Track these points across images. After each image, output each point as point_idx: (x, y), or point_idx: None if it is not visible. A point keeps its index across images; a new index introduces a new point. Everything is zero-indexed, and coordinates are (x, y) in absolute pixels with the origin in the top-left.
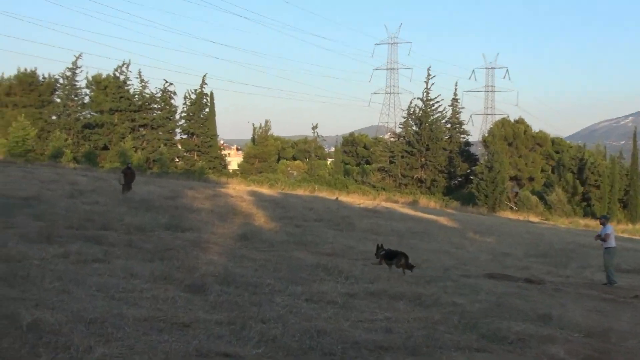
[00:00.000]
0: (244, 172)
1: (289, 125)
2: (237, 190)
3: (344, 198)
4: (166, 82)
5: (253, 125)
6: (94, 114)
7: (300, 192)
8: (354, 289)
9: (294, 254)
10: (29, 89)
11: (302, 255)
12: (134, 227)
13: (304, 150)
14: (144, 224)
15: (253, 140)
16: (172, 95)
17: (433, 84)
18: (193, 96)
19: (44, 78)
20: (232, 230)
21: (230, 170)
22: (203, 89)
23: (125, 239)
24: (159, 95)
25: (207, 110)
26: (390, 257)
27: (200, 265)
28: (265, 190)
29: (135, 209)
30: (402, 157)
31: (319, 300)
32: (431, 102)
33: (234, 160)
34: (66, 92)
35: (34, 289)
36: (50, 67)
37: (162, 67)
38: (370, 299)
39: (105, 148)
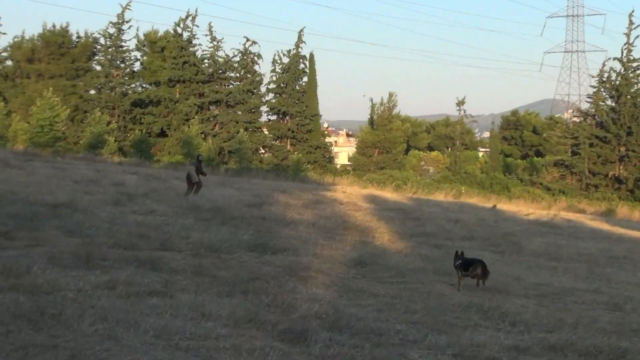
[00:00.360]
0: (358, 167)
1: (422, 101)
2: (349, 194)
3: (505, 206)
4: (247, 40)
5: (371, 100)
6: (147, 86)
7: (439, 197)
8: (524, 341)
9: (433, 287)
10: (59, 53)
11: (445, 290)
12: (205, 246)
13: (445, 136)
14: (219, 242)
15: (371, 122)
16: (255, 59)
17: (637, 36)
18: (286, 60)
19: (78, 38)
20: (343, 252)
21: (338, 166)
22: (299, 50)
23: (193, 263)
24: (237, 59)
25: (305, 79)
26: (466, 266)
27: (300, 303)
28: (389, 194)
29: (206, 221)
30: (592, 145)
31: (472, 356)
32: (635, 65)
33: (343, 151)
34: (109, 57)
35: (69, 333)
36: (87, 22)
37: (242, 20)
38: (548, 354)
39: (163, 134)
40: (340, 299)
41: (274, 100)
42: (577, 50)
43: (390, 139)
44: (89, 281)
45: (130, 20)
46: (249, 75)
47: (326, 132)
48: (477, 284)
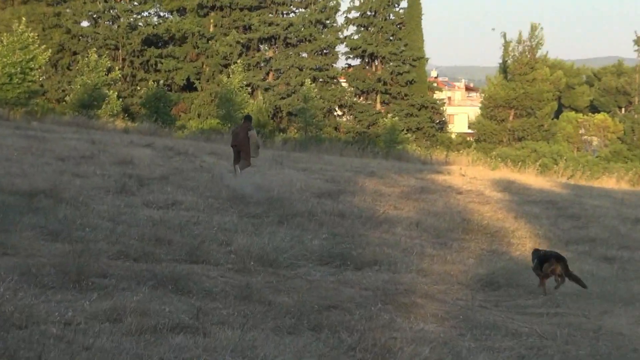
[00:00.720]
0: (485, 138)
1: (581, 38)
2: (471, 178)
3: None
4: None
5: (504, 36)
6: (167, 16)
7: (609, 183)
8: None
9: (604, 322)
10: None
11: (622, 326)
12: (255, 257)
13: (617, 90)
14: (276, 250)
15: (504, 69)
16: None
17: None
18: None
19: None
20: (463, 266)
21: (454, 135)
22: None
23: (237, 282)
24: None
25: (403, 4)
26: (543, 261)
27: (400, 345)
28: (531, 178)
29: (256, 219)
30: None
31: None
32: None
33: (461, 113)
34: None
35: None
36: None
37: None
38: None
39: (190, 87)
40: (461, 340)
41: (356, 37)
42: None
43: (533, 95)
44: (81, 309)
45: None
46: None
47: (435, 85)
48: (558, 284)
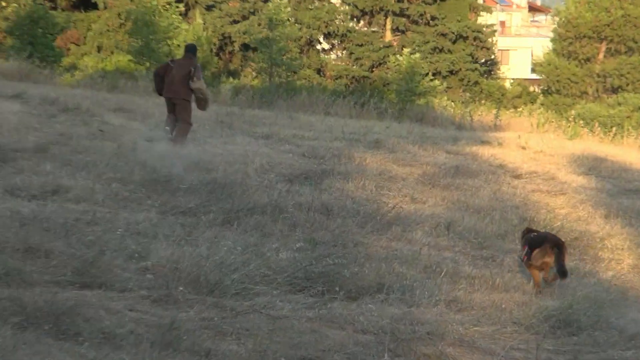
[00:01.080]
0: (557, 88)
1: None
2: (536, 152)
3: None
4: None
5: None
6: None
7: None
8: None
9: None
10: None
11: None
12: (187, 277)
13: None
14: (220, 268)
15: None
16: None
17: None
18: None
19: None
20: (520, 294)
21: (508, 83)
22: None
23: (157, 319)
24: None
25: None
26: (533, 248)
27: None
28: (632, 153)
29: (188, 218)
30: None
31: None
32: None
33: (520, 48)
34: None
35: None
36: None
37: None
38: None
39: (86, 4)
40: None
41: None
42: None
43: (637, 20)
44: None
45: None
46: None
47: (481, 2)
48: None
